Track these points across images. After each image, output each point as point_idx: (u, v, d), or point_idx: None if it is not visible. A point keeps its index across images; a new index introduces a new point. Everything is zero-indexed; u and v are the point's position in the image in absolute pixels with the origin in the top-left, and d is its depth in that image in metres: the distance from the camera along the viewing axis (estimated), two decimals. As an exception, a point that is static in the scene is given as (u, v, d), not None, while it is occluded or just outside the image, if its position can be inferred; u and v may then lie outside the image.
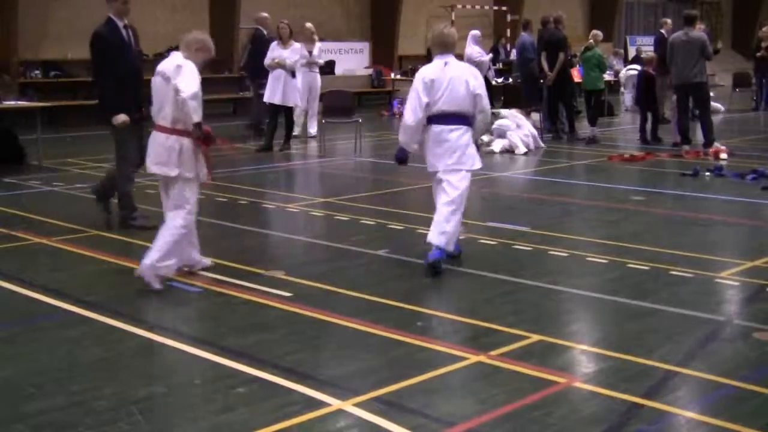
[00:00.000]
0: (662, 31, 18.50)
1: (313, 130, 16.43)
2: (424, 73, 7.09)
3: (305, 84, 16.02)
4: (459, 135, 7.06)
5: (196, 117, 6.38)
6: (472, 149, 7.18)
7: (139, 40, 8.94)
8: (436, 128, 7.06)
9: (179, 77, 6.35)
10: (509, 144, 14.46)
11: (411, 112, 7.03)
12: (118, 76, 8.41)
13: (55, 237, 8.18)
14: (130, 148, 8.51)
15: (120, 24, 8.47)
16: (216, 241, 8.24)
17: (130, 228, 8.50)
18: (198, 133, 6.46)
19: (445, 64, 7.09)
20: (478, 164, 7.19)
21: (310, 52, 16.13)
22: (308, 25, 16.45)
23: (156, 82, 6.59)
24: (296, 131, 16.00)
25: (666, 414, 4.33)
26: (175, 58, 6.54)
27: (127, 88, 8.44)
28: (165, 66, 6.55)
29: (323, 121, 15.14)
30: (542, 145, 14.90)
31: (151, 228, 7.77)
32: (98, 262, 7.32)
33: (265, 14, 17.30)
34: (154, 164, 6.61)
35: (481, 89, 7.13)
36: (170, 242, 6.49)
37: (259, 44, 16.30)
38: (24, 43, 18.29)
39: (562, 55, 15.77)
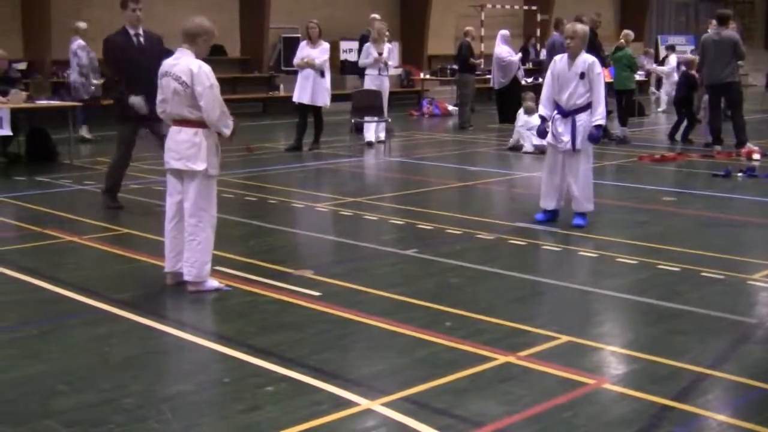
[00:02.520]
0: (709, 31, 18.38)
1: (382, 134, 15.60)
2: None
3: (374, 88, 15.39)
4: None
5: (227, 131, 6.39)
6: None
7: (159, 46, 9.21)
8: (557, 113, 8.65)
9: (198, 89, 6.21)
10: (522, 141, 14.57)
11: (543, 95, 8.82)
12: (128, 82, 8.96)
13: (85, 235, 8.24)
14: (132, 144, 9.42)
15: (131, 32, 8.91)
16: (245, 239, 8.27)
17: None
18: (231, 138, 6.55)
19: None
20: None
21: (380, 53, 15.50)
22: (381, 24, 16.00)
23: (169, 83, 6.35)
24: (382, 137, 15.45)
25: (696, 417, 4.29)
26: (186, 59, 6.33)
27: (139, 89, 8.89)
28: (179, 69, 6.31)
29: (352, 120, 15.13)
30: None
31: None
32: (128, 261, 7.36)
33: (377, 15, 17.38)
34: (176, 160, 6.40)
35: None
36: (205, 250, 6.44)
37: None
38: (56, 43, 18.46)
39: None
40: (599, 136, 8.70)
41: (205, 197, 6.40)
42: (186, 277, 6.42)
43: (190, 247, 6.39)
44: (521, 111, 15.01)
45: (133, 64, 8.94)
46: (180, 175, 6.45)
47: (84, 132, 15.72)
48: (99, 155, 13.70)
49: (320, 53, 14.64)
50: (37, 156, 13.21)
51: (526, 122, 14.55)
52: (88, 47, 15.14)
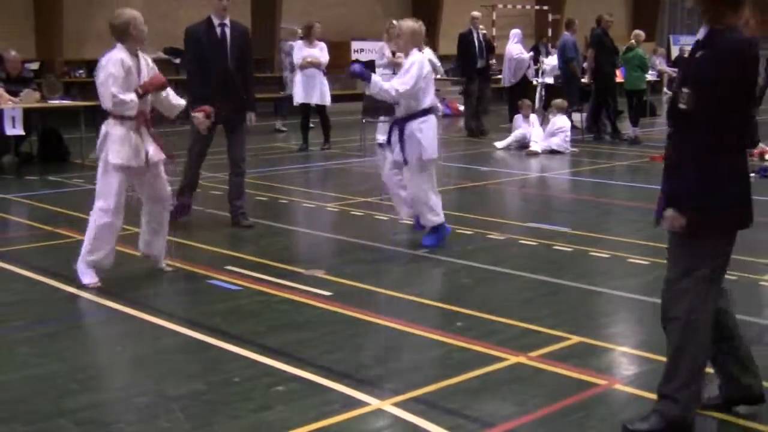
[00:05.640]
0: None
1: None
2: None
3: None
4: None
5: (129, 112, 6.47)
6: None
7: (244, 39, 8.75)
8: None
9: (97, 80, 6.47)
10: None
11: None
12: (204, 74, 8.41)
13: (97, 235, 8.25)
14: (197, 145, 8.62)
15: (216, 22, 8.50)
16: (256, 239, 8.28)
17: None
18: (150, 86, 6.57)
19: None
20: None
21: (394, 53, 14.65)
22: (395, 22, 15.83)
23: None
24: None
25: (706, 418, 4.27)
26: (112, 51, 6.57)
27: (213, 86, 8.31)
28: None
29: (363, 120, 15.12)
30: (570, 149, 14.52)
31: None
32: (140, 260, 7.36)
33: (477, 13, 17.39)
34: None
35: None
36: (90, 235, 6.57)
37: (467, 44, 16.76)
38: (68, 43, 18.53)
39: (590, 51, 15.85)
40: (357, 71, 7.63)
41: (100, 183, 6.55)
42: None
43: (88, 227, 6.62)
44: (518, 116, 15.19)
45: (205, 56, 8.43)
46: None
47: (278, 125, 17.89)
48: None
49: (322, 52, 14.68)
50: (49, 156, 13.25)
51: (552, 122, 14.55)
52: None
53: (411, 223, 8.26)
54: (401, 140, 7.68)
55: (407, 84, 7.45)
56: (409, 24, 7.72)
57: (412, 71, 7.45)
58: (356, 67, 7.59)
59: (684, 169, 3.91)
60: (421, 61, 7.53)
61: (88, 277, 6.53)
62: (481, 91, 17.03)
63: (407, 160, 7.68)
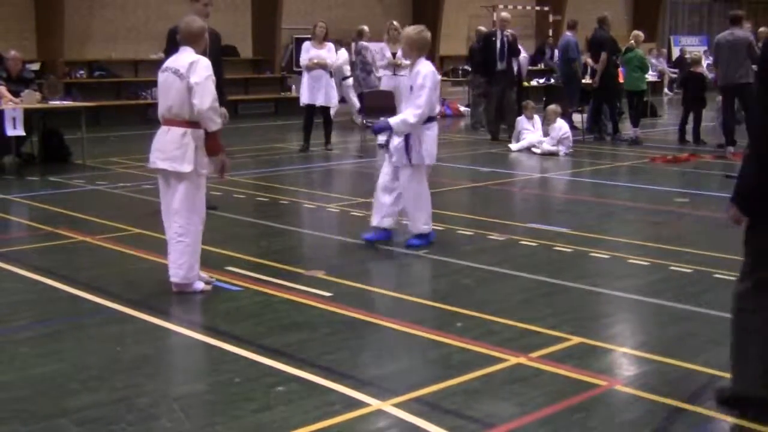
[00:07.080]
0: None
1: None
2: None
3: (388, 89, 15.13)
4: None
5: (214, 126, 6.25)
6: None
7: (218, 45, 8.86)
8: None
9: (193, 78, 6.16)
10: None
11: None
12: None
13: (98, 235, 8.27)
14: None
15: None
16: (257, 240, 8.29)
17: None
18: (211, 143, 6.34)
19: None
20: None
21: (394, 54, 15.17)
22: (395, 23, 15.76)
23: (167, 78, 6.32)
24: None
25: (709, 419, 4.28)
26: (187, 54, 6.31)
27: None
28: (178, 63, 6.29)
29: (364, 121, 15.13)
30: (563, 151, 14.49)
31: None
32: (140, 260, 7.38)
33: (507, 15, 17.29)
34: (162, 160, 6.33)
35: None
36: (191, 251, 6.38)
37: (488, 45, 16.63)
38: (69, 43, 18.53)
39: (603, 55, 15.74)
40: (377, 128, 8.03)
41: (193, 197, 6.35)
42: (172, 279, 6.39)
43: (178, 249, 6.35)
44: (521, 118, 15.13)
45: None
46: (167, 175, 6.40)
47: (357, 120, 17.17)
48: (112, 156, 13.74)
49: (329, 53, 14.69)
50: (50, 156, 13.26)
51: (558, 128, 14.50)
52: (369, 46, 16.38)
53: (379, 227, 7.98)
54: (407, 144, 7.68)
55: (422, 104, 7.53)
56: (409, 32, 7.80)
57: (426, 86, 7.55)
58: (374, 126, 8.07)
59: (749, 159, 3.91)
60: (433, 72, 7.67)
61: (200, 283, 6.45)
62: (502, 93, 16.50)
63: (411, 163, 7.72)
